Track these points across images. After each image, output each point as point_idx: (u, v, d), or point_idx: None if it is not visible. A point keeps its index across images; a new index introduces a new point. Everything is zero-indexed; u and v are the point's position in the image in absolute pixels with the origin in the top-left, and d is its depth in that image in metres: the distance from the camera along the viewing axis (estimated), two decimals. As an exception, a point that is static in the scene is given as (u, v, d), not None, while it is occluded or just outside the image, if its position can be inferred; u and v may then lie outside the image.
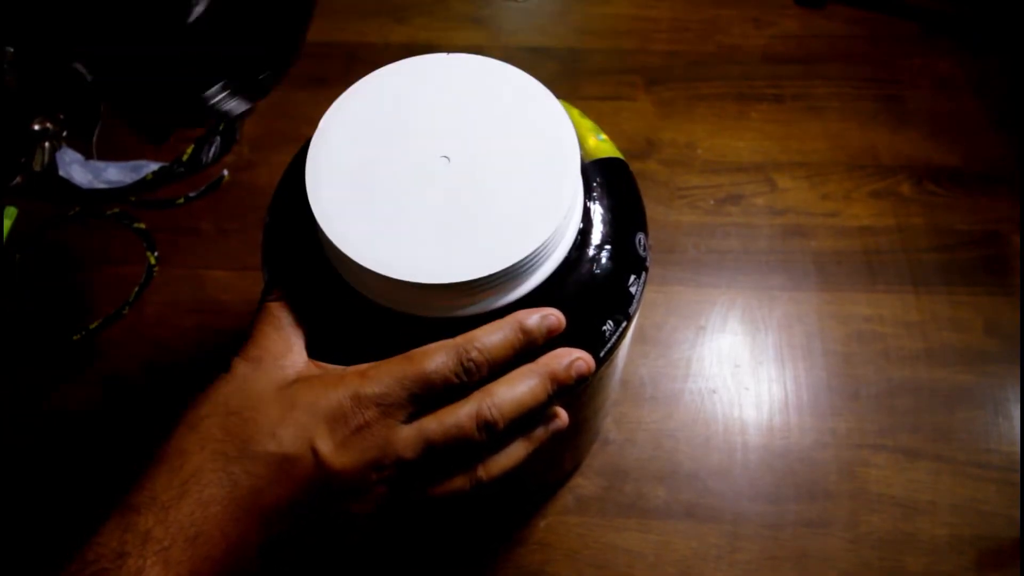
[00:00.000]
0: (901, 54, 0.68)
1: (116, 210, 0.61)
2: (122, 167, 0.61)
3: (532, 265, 0.30)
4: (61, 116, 0.62)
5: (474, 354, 0.29)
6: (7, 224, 0.59)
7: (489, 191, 0.31)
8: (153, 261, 0.58)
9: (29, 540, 0.49)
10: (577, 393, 0.33)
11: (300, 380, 0.30)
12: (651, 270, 0.35)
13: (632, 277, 0.33)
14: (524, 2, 0.71)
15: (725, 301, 0.57)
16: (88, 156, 0.62)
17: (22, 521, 0.50)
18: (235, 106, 0.59)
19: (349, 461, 0.28)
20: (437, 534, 0.49)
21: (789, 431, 0.52)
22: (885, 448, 0.51)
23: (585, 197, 0.33)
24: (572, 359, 0.31)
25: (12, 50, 0.61)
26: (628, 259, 0.33)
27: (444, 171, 0.31)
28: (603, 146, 0.36)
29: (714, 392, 0.53)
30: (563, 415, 0.32)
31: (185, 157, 0.61)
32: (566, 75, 0.67)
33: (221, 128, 0.62)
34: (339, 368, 0.30)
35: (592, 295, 0.32)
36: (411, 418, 0.29)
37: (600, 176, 0.35)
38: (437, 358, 0.29)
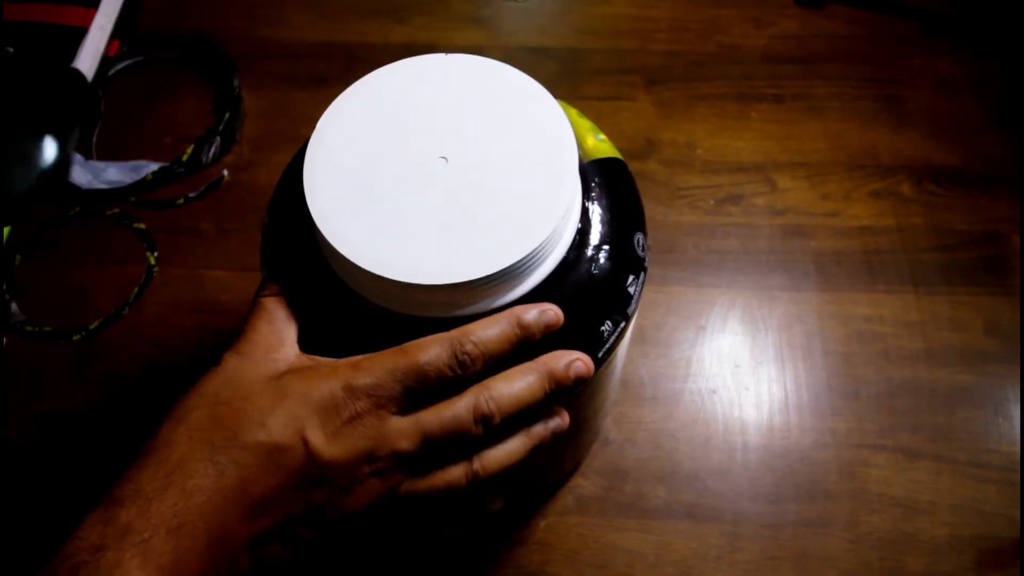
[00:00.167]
0: (901, 54, 0.68)
1: (116, 210, 0.61)
2: (122, 167, 0.61)
3: (530, 265, 0.30)
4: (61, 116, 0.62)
5: (469, 347, 0.29)
6: (6, 230, 0.59)
7: (487, 191, 0.31)
8: (153, 261, 0.58)
9: (29, 540, 0.49)
10: (576, 394, 0.33)
11: (292, 371, 0.29)
12: (651, 270, 0.35)
13: (631, 277, 0.33)
14: (524, 2, 0.71)
15: (725, 301, 0.57)
16: (88, 156, 0.62)
17: (22, 521, 0.50)
18: None
19: (340, 452, 0.27)
20: (437, 536, 0.49)
21: (789, 431, 0.52)
22: (885, 448, 0.51)
23: (584, 197, 0.33)
24: (571, 360, 0.30)
25: (12, 50, 0.61)
26: (627, 259, 0.33)
27: (442, 171, 0.31)
28: (602, 146, 0.36)
29: (714, 392, 0.53)
30: (564, 415, 0.32)
31: (185, 157, 0.61)
32: (566, 75, 0.67)
33: (221, 128, 0.62)
34: (331, 360, 0.30)
35: (590, 295, 0.32)
36: (404, 411, 0.29)
37: (599, 176, 0.35)
38: (431, 350, 0.28)
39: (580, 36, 0.69)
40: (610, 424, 0.52)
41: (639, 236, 0.35)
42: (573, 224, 0.32)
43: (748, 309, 0.56)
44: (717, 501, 0.50)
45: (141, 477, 0.27)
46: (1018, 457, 0.51)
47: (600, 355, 0.33)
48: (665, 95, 0.66)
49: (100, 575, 0.25)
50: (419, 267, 0.29)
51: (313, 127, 0.32)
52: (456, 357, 0.28)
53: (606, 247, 0.33)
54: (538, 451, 0.31)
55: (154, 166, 0.61)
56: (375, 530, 0.30)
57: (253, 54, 0.68)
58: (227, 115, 0.63)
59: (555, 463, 0.47)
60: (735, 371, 0.54)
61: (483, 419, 0.28)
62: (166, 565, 0.26)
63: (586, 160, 0.35)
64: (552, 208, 0.30)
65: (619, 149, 0.37)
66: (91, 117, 0.64)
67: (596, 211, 0.34)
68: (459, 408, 0.28)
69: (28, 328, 0.56)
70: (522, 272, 0.30)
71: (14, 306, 0.57)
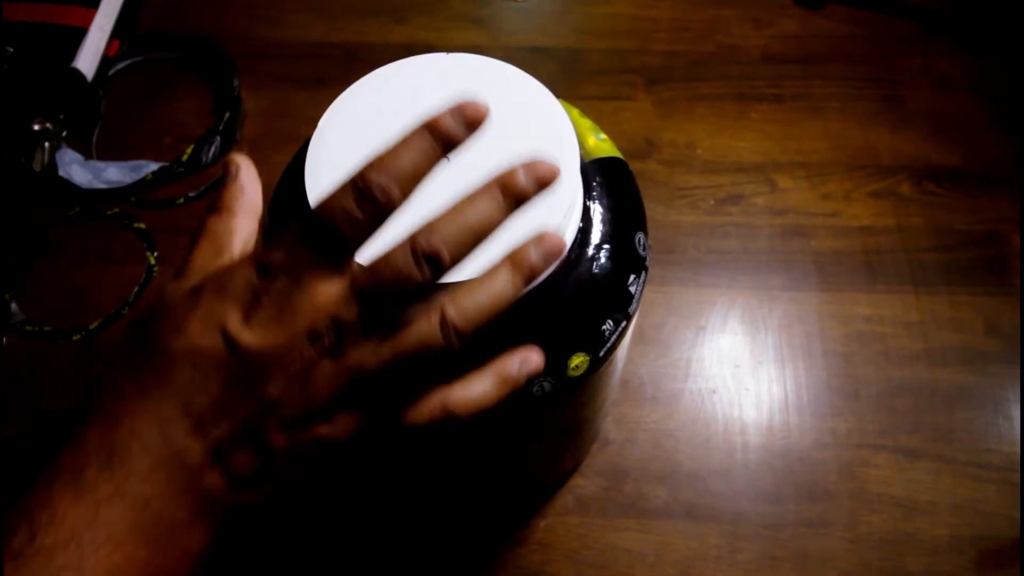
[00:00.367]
0: (901, 54, 0.68)
1: (116, 210, 0.61)
2: (122, 167, 0.61)
3: (531, 265, 0.30)
4: (61, 116, 0.62)
5: (370, 174, 0.24)
6: None
7: (488, 191, 0.30)
8: (153, 261, 0.58)
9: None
10: (576, 392, 0.33)
11: (208, 275, 0.26)
12: (651, 270, 0.35)
13: (632, 277, 0.33)
14: (524, 2, 0.71)
15: (725, 301, 0.57)
16: (88, 156, 0.62)
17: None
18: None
19: (267, 337, 0.24)
20: (437, 533, 0.49)
21: (789, 431, 0.52)
22: (885, 448, 0.51)
23: (585, 196, 0.33)
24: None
25: (12, 50, 0.61)
26: (628, 259, 0.33)
27: (443, 171, 0.31)
28: (603, 146, 0.36)
29: (714, 392, 0.53)
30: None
31: (185, 157, 0.61)
32: (566, 75, 0.67)
33: (221, 128, 0.62)
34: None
35: (592, 294, 0.32)
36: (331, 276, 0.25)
37: (600, 176, 0.35)
38: (330, 198, 0.25)
39: (580, 36, 0.69)
40: (610, 424, 0.52)
41: (640, 235, 0.35)
42: (575, 223, 0.32)
43: (748, 309, 0.56)
44: (717, 501, 0.50)
45: (81, 424, 0.26)
46: (1018, 457, 0.51)
47: (601, 354, 0.33)
48: (665, 95, 0.66)
49: (34, 513, 0.24)
50: (420, 266, 0.29)
51: (313, 127, 0.32)
52: (358, 189, 0.24)
53: (607, 246, 0.33)
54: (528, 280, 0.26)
55: (154, 166, 0.61)
56: (360, 430, 0.26)
57: (253, 54, 0.68)
58: (227, 115, 0.63)
59: (555, 463, 0.47)
60: (735, 371, 0.54)
61: (426, 258, 0.24)
62: (103, 497, 0.24)
63: (587, 160, 0.35)
64: (553, 207, 0.30)
65: (619, 149, 0.37)
66: (91, 117, 0.64)
67: (597, 210, 0.34)
68: (393, 251, 0.24)
69: (28, 328, 0.56)
70: (523, 271, 0.30)
71: (14, 306, 0.57)
